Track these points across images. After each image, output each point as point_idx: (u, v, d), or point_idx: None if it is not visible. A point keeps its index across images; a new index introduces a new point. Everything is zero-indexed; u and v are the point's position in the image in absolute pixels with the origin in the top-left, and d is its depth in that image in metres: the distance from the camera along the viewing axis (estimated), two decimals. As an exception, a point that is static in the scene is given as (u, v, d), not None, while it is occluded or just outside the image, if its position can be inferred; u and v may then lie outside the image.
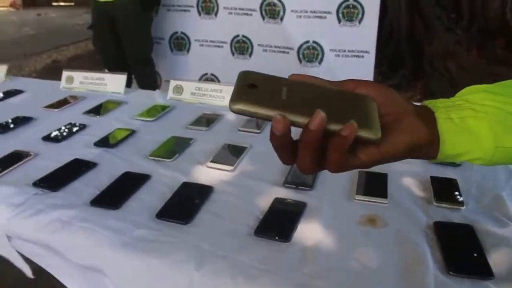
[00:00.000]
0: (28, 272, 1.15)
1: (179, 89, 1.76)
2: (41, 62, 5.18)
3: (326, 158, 0.51)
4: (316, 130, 0.48)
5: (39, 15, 9.16)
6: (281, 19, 3.03)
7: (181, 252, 0.90)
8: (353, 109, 0.52)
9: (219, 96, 1.70)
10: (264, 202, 1.07)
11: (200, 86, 1.73)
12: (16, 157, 1.32)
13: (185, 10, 3.29)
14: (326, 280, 0.82)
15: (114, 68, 3.24)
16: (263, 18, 3.08)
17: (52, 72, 4.69)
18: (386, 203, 1.06)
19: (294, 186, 1.13)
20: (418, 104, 0.58)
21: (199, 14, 3.26)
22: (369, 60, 3.01)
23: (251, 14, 3.10)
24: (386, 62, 4.30)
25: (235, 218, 1.01)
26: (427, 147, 0.54)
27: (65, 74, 1.97)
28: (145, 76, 3.24)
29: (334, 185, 1.14)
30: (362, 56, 3.01)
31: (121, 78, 1.85)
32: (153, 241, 0.94)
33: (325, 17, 2.96)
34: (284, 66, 3.14)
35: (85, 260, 0.97)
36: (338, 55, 3.04)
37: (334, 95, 0.55)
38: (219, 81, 3.37)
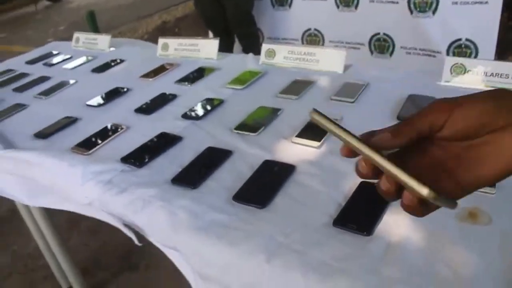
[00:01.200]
0: (135, 239, 1.18)
1: (271, 53, 1.67)
2: (152, 23, 5.37)
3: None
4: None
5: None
6: (391, -33, 2.75)
7: (253, 241, 0.85)
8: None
9: (313, 59, 1.58)
10: (350, 186, 0.97)
11: (293, 50, 1.63)
12: (109, 131, 1.35)
13: (286, -37, 3.14)
14: (407, 287, 0.72)
15: (215, 28, 3.23)
16: (370, -34, 2.83)
17: (162, 33, 4.85)
18: (493, 193, 0.89)
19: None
20: None
21: (301, -34, 3.09)
22: (495, 7, 2.62)
23: (356, -36, 2.86)
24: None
25: (315, 205, 0.93)
26: None
27: (161, 41, 1.98)
28: (246, 34, 3.18)
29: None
30: (486, 2, 2.63)
31: (214, 43, 1.81)
32: (227, 227, 0.90)
33: (442, -39, 2.63)
34: (394, 18, 2.87)
35: (163, 241, 0.97)
36: (456, 3, 2.70)
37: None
38: (323, 37, 3.19)
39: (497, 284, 0.70)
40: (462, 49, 2.80)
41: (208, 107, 1.40)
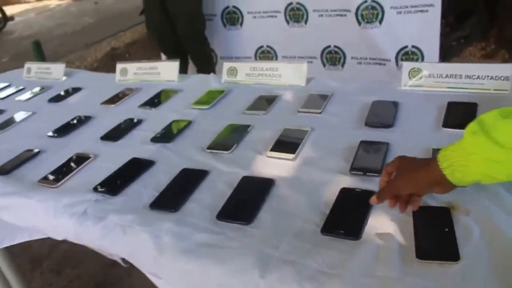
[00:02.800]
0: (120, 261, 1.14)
1: (233, 71, 1.68)
2: (101, 50, 5.29)
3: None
4: None
5: (96, 3, 9.38)
6: (336, -20, 2.85)
7: (244, 258, 0.84)
8: None
9: (276, 74, 1.61)
10: (330, 194, 0.98)
11: (255, 66, 1.65)
12: (77, 161, 1.32)
13: (234, -17, 3.18)
14: (402, 285, 0.73)
15: (169, 50, 3.21)
16: (316, -18, 2.91)
17: (112, 60, 4.78)
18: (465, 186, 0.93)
19: (361, 173, 1.03)
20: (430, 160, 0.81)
21: (249, -15, 3.14)
22: (435, 14, 2.76)
23: (303, -20, 2.94)
24: (453, 12, 3.97)
25: (300, 215, 0.94)
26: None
27: (119, 66, 1.95)
28: (200, 55, 3.18)
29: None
30: (427, 11, 2.76)
31: (174, 65, 1.81)
32: (215, 246, 0.89)
33: (383, -27, 2.75)
34: (343, 31, 2.96)
35: (148, 267, 0.95)
36: (400, 12, 2.81)
37: None
38: (275, 53, 3.25)
39: (489, 267, 0.74)
40: (409, 55, 2.92)
41: (177, 129, 1.39)
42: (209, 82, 1.74)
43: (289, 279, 0.79)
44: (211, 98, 1.56)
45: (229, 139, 1.28)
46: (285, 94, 1.53)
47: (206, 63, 3.16)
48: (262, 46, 3.29)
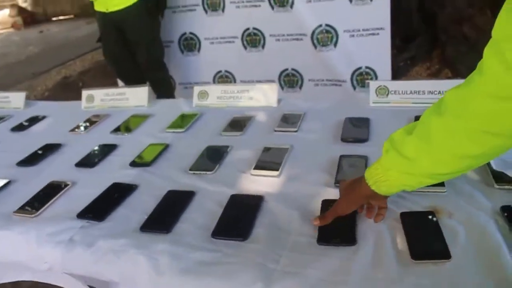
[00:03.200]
0: None
1: (204, 95, 1.71)
2: (51, 79, 5.16)
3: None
4: None
5: (41, 32, 9.15)
6: (291, 6, 2.94)
7: (246, 272, 0.86)
8: None
9: (247, 96, 1.64)
10: (319, 206, 1.02)
11: (226, 89, 1.68)
12: (53, 189, 1.28)
13: (191, 10, 3.22)
14: (403, 285, 0.77)
15: (127, 77, 3.19)
16: (272, 7, 2.99)
17: (64, 89, 4.67)
18: (445, 192, 1.00)
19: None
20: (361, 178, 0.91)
21: (206, 12, 3.19)
22: (385, 37, 2.91)
23: (259, 5, 3.02)
24: (399, 35, 4.18)
25: (293, 228, 0.96)
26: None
27: (85, 93, 1.93)
28: (159, 81, 3.18)
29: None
30: (378, 34, 2.91)
31: (143, 91, 1.81)
32: (214, 263, 0.89)
33: (335, -2, 2.88)
34: (300, 54, 3.06)
35: (146, 289, 0.93)
36: (353, 35, 2.95)
37: None
38: (234, 77, 3.30)
39: (477, 263, 0.80)
40: (364, 76, 3.05)
41: (155, 153, 1.38)
42: (179, 106, 1.75)
43: (293, 290, 0.81)
44: (185, 122, 1.57)
45: (210, 160, 1.29)
46: (258, 115, 1.56)
47: (166, 89, 3.16)
48: (220, 71, 3.33)
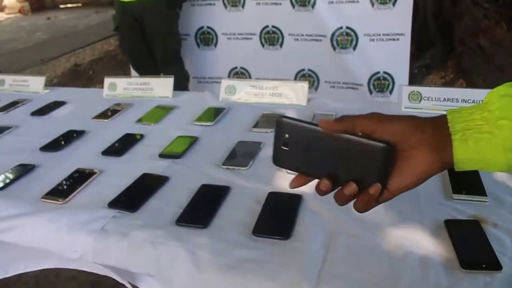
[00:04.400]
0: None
1: (231, 89, 1.68)
2: (60, 66, 5.12)
3: (355, 204, 0.64)
4: (325, 192, 0.65)
5: (48, 19, 9.10)
6: (313, 6, 2.92)
7: (291, 273, 0.83)
8: (369, 164, 0.61)
9: (276, 93, 1.62)
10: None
11: (255, 84, 1.65)
12: (81, 176, 1.25)
13: (210, 4, 3.20)
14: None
15: (142, 68, 3.17)
16: (293, 6, 2.98)
17: (74, 76, 4.63)
18: (487, 201, 0.98)
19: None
20: (439, 116, 0.62)
21: (225, 6, 3.17)
22: (405, 43, 2.91)
23: (280, 3, 3.00)
24: (414, 43, 4.18)
25: (336, 229, 0.94)
26: (440, 170, 0.60)
27: (107, 81, 1.90)
28: (174, 74, 3.14)
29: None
30: (398, 39, 2.90)
31: (169, 82, 1.78)
32: (258, 261, 0.87)
33: (357, 1, 2.85)
34: (318, 55, 3.04)
35: (185, 284, 0.91)
36: (373, 40, 2.93)
37: (353, 150, 0.62)
38: (249, 74, 3.28)
39: None
40: (381, 81, 3.03)
41: (184, 145, 1.36)
42: (205, 99, 1.73)
43: (341, 292, 0.78)
44: (213, 115, 1.55)
45: (243, 155, 1.27)
46: (288, 113, 1.53)
47: (180, 83, 3.13)
48: (236, 67, 3.31)
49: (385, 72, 3.00)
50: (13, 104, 1.93)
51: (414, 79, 3.81)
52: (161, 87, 1.79)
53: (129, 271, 1.01)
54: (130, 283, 1.09)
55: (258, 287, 0.83)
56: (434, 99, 1.48)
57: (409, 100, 1.49)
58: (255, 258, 0.88)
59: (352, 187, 0.62)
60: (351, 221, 0.95)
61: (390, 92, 3.05)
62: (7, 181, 1.28)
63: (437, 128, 0.60)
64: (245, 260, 0.87)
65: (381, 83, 3.02)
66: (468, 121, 0.58)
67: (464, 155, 0.57)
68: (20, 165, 1.36)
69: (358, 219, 0.94)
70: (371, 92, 3.05)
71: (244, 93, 1.66)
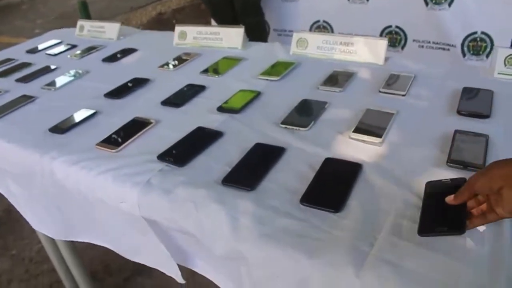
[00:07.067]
0: (177, 275, 1.07)
1: (303, 43, 1.56)
2: (147, 14, 5.20)
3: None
4: None
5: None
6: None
7: (336, 252, 0.74)
8: None
9: (350, 50, 1.48)
10: (420, 185, 0.86)
11: (327, 39, 1.52)
12: (136, 126, 1.23)
13: (294, -47, 3.02)
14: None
15: (221, 18, 3.10)
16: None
17: (158, 24, 4.68)
18: None
19: (461, 166, 0.91)
20: None
21: (312, -44, 2.97)
22: None
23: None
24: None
25: (394, 208, 0.82)
26: None
27: (178, 29, 1.85)
28: (254, 26, 3.04)
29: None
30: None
31: (239, 32, 1.69)
32: (301, 235, 0.78)
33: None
34: (408, 10, 2.77)
35: (223, 249, 0.85)
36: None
37: None
38: (332, 29, 3.09)
39: None
40: (477, 42, 2.73)
41: (245, 100, 1.28)
42: (275, 52, 1.62)
43: (388, 282, 0.68)
44: (280, 70, 1.45)
45: (305, 115, 1.17)
46: (361, 71, 1.40)
47: (260, 35, 3.03)
48: (318, 21, 3.13)
49: (483, 33, 2.67)
50: (89, 50, 1.95)
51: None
52: (231, 37, 1.70)
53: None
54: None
55: (295, 264, 0.75)
56: (536, 65, 1.27)
57: (505, 65, 1.29)
58: (298, 231, 0.79)
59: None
60: (413, 202, 0.83)
61: (487, 56, 2.73)
62: (69, 125, 1.29)
63: None
64: (287, 232, 0.79)
65: (477, 45, 2.71)
66: None
67: None
68: (83, 110, 1.37)
69: (419, 198, 0.83)
70: (464, 55, 2.75)
71: (317, 47, 1.53)
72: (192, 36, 1.80)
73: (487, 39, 2.69)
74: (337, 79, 1.35)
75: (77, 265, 1.81)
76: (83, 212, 1.16)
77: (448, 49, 2.79)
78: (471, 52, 2.74)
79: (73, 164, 1.11)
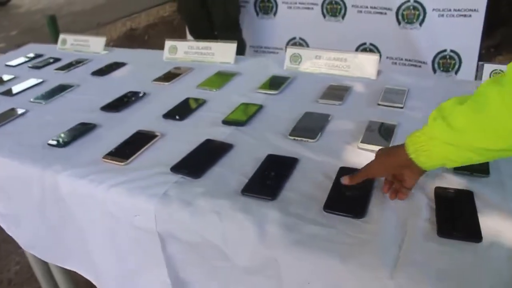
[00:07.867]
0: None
1: (297, 58, 1.60)
2: (116, 30, 5.16)
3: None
4: None
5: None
6: (380, -24, 2.77)
7: (367, 254, 0.77)
8: None
9: (343, 65, 1.53)
10: (431, 188, 0.92)
11: (321, 55, 1.57)
12: (142, 138, 1.22)
13: (271, -29, 3.09)
14: None
15: (199, 34, 3.12)
16: (359, -24, 2.83)
17: (130, 40, 4.65)
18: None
19: (468, 173, 0.96)
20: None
21: (287, -26, 3.05)
22: (478, 20, 2.70)
23: (344, -27, 2.86)
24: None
25: (411, 211, 0.86)
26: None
27: (168, 43, 1.86)
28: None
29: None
30: (470, 16, 2.70)
31: (231, 47, 1.72)
32: (331, 240, 0.81)
33: (428, -28, 2.68)
34: (381, 29, 2.89)
35: (248, 258, 0.86)
36: (442, 15, 2.75)
37: None
38: (308, 46, 3.17)
39: None
40: (447, 59, 2.86)
41: (249, 112, 1.30)
42: (268, 66, 1.66)
43: (420, 282, 0.72)
44: (277, 84, 1.48)
45: (311, 127, 1.20)
46: (356, 85, 1.45)
47: (239, 51, 3.06)
48: (294, 38, 3.21)
49: (452, 51, 2.82)
50: (74, 64, 1.93)
51: (481, 60, 3.59)
52: (223, 52, 1.73)
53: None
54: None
55: (329, 268, 0.77)
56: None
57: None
58: (326, 236, 0.82)
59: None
60: (427, 205, 0.88)
61: (456, 73, 2.87)
62: (69, 138, 1.27)
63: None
64: (316, 237, 0.82)
65: (446, 62, 2.85)
66: (416, 143, 0.81)
67: (420, 163, 0.82)
68: (81, 123, 1.36)
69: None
70: (435, 71, 2.88)
71: (310, 63, 1.58)
72: (183, 50, 1.81)
73: (456, 57, 2.83)
74: (335, 93, 1.39)
75: (66, 280, 1.76)
76: (79, 234, 1.15)
77: (420, 66, 2.92)
78: (441, 69, 2.87)
79: (81, 178, 1.09)
